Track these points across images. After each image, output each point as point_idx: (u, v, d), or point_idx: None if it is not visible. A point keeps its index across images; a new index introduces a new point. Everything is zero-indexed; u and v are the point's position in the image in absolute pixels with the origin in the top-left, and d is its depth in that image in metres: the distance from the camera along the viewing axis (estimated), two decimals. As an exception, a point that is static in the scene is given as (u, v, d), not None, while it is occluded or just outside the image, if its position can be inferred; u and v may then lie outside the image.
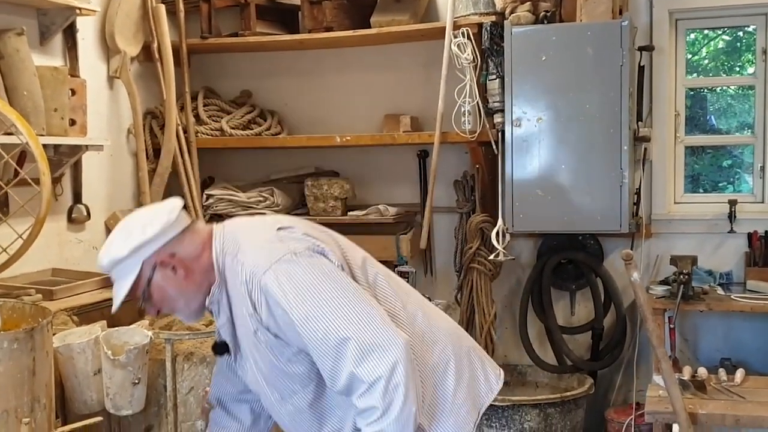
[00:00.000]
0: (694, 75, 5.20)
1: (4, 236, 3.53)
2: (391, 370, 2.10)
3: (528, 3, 4.58)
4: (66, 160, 4.24)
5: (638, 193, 4.80)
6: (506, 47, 4.56)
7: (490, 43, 4.62)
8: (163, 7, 4.90)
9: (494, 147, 4.73)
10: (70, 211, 4.48)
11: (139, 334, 2.95)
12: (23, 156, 3.72)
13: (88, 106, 4.32)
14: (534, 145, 4.57)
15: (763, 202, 4.92)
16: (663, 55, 4.90)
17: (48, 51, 4.31)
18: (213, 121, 5.25)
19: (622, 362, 5.00)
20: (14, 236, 3.46)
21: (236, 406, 2.58)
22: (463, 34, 4.64)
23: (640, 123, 4.78)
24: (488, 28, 4.62)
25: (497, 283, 5.04)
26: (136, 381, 2.88)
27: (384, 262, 4.63)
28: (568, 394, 4.59)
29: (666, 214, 4.98)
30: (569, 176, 4.54)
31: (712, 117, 5.27)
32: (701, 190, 5.21)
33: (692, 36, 5.17)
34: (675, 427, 3.24)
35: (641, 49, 4.78)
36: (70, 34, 4.42)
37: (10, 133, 3.44)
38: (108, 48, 4.73)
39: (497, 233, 4.70)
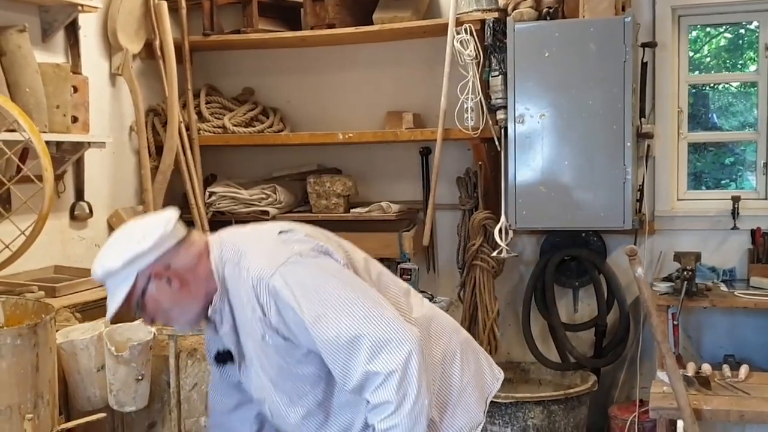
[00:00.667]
0: (696, 73, 5.18)
1: (7, 233, 3.52)
2: (405, 363, 2.11)
3: (531, -1, 4.57)
4: (68, 157, 4.23)
5: (641, 190, 4.79)
6: (509, 44, 4.55)
7: (492, 40, 4.61)
8: (165, 4, 4.88)
9: (497, 144, 4.72)
10: (72, 209, 4.47)
11: (142, 330, 2.94)
12: (25, 153, 3.72)
13: (90, 104, 4.30)
14: (537, 141, 4.56)
15: (766, 199, 4.91)
16: (666, 52, 4.89)
17: (50, 48, 4.30)
18: (215, 118, 5.24)
19: (625, 359, 4.99)
20: (17, 233, 3.46)
21: (234, 419, 2.57)
22: (465, 30, 4.63)
23: (642, 119, 4.76)
24: (491, 25, 4.61)
25: (499, 280, 5.03)
26: (140, 377, 2.88)
27: (386, 260, 4.72)
28: (572, 391, 4.58)
29: (669, 210, 4.97)
30: (572, 173, 4.52)
31: (714, 114, 5.26)
32: (704, 188, 5.20)
33: (694, 33, 5.16)
34: (679, 423, 3.23)
35: (644, 45, 4.77)
36: (72, 31, 4.41)
37: (13, 130, 3.44)
38: (110, 45, 4.71)
39: (500, 230, 4.69)
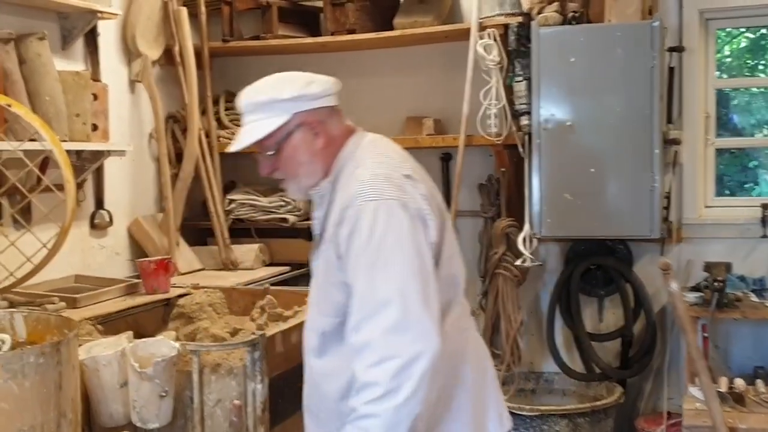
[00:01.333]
0: (718, 75, 5.08)
1: (28, 244, 3.47)
2: (412, 358, 2.02)
3: (555, 3, 4.50)
4: (88, 165, 4.19)
5: (668, 197, 4.71)
6: (533, 49, 4.48)
7: (516, 45, 4.54)
8: (184, 10, 4.84)
9: (521, 150, 4.64)
10: (92, 217, 4.42)
11: (166, 345, 2.88)
12: (45, 162, 3.67)
13: (109, 111, 4.26)
14: (562, 148, 4.49)
15: (796, 206, 4.81)
16: (693, 56, 4.81)
17: (69, 55, 4.26)
18: (235, 125, 5.18)
19: (651, 370, 4.91)
20: (37, 244, 3.41)
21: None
22: (489, 35, 4.56)
23: (669, 125, 4.69)
24: (515, 29, 4.54)
25: (522, 289, 4.95)
26: (164, 394, 2.81)
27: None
28: (599, 403, 4.51)
29: (697, 218, 4.88)
30: (599, 180, 4.45)
31: (735, 117, 5.17)
32: (727, 192, 5.11)
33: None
34: (714, 441, 3.16)
35: (671, 50, 4.70)
36: (92, 38, 4.37)
37: (33, 140, 3.39)
38: (129, 52, 4.67)
39: (524, 238, 4.61)
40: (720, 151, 5.08)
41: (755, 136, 5.13)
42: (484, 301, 4.92)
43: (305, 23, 5.28)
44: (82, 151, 4.07)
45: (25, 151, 3.40)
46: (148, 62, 4.67)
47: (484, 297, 4.92)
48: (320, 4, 5.14)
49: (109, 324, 3.49)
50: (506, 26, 4.57)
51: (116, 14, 4.38)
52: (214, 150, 5.06)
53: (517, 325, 4.77)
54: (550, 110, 4.49)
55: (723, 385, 3.43)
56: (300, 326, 3.13)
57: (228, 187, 5.30)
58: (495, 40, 4.55)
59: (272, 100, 2.21)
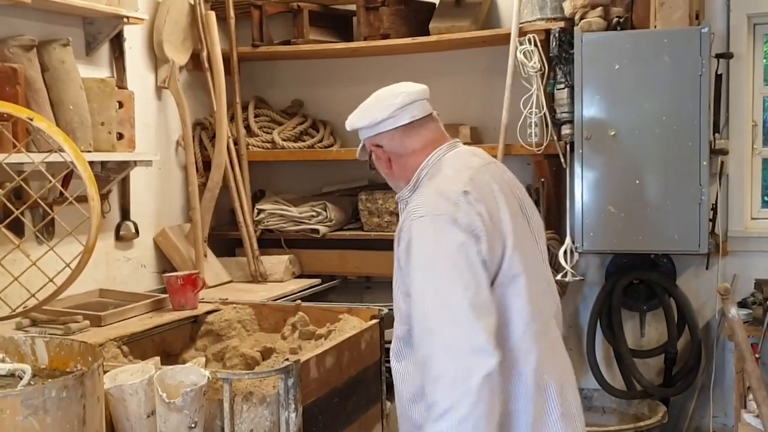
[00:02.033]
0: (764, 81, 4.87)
1: (50, 259, 3.33)
2: (467, 372, 2.04)
3: (599, 8, 4.32)
4: (114, 176, 4.06)
5: (714, 209, 4.52)
6: (576, 55, 4.31)
7: (558, 51, 4.36)
8: (213, 14, 4.68)
9: (562, 160, 4.46)
10: (117, 229, 4.29)
11: (195, 372, 2.73)
12: (69, 173, 3.52)
13: (135, 119, 4.13)
14: (605, 158, 4.31)
15: None
16: (741, 63, 4.61)
17: (94, 62, 4.13)
18: (264, 132, 5.04)
19: (695, 387, 4.71)
20: (59, 261, 3.27)
21: None
22: (529, 41, 4.38)
23: (716, 135, 4.50)
24: (556, 35, 4.36)
25: (561, 302, 4.75)
26: (193, 425, 2.67)
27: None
28: (642, 424, 4.33)
29: (743, 231, 4.69)
30: (644, 192, 4.27)
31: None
32: (766, 198, 4.90)
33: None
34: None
35: (719, 56, 4.50)
36: (117, 44, 4.24)
37: (53, 151, 3.25)
38: (156, 57, 4.53)
39: (565, 252, 4.43)
40: (766, 161, 4.88)
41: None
42: (522, 316, 4.74)
43: (337, 27, 5.11)
44: (107, 161, 3.93)
45: (48, 164, 3.26)
46: (175, 68, 4.53)
47: (522, 311, 4.74)
48: (353, 8, 4.97)
49: (135, 343, 3.34)
50: (547, 31, 4.40)
51: (142, 19, 4.24)
52: (243, 158, 4.91)
53: (555, 341, 4.59)
54: (593, 119, 4.31)
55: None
56: (334, 349, 3.03)
57: (257, 197, 5.15)
58: (536, 45, 4.37)
59: (353, 129, 2.47)
